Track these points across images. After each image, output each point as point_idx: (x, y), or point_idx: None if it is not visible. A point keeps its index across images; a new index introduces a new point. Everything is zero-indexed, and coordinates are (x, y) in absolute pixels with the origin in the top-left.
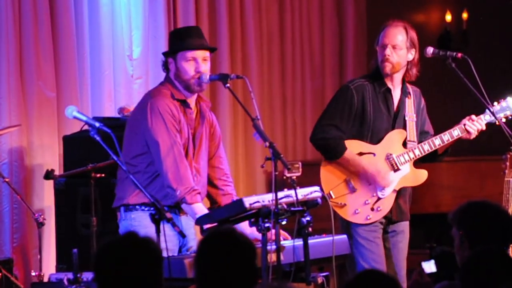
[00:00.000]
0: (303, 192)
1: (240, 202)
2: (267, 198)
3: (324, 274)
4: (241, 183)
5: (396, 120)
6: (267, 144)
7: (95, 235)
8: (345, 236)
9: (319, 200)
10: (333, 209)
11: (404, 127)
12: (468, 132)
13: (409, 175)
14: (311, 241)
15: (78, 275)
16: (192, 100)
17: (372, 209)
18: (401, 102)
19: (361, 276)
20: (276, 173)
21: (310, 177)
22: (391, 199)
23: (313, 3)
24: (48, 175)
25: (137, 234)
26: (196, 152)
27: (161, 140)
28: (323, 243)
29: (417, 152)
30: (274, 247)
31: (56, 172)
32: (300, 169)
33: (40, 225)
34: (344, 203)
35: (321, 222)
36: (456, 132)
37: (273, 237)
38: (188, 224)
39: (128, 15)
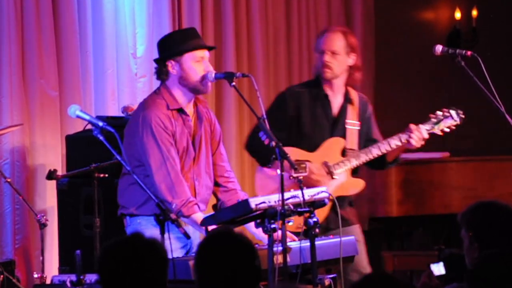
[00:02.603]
0: (310, 193)
1: (245, 202)
2: (273, 199)
3: (331, 276)
4: (247, 183)
5: (336, 127)
6: (274, 143)
7: (98, 236)
8: (352, 237)
9: (326, 200)
10: None
11: (344, 135)
12: (409, 142)
13: (345, 184)
14: (318, 242)
15: (81, 277)
16: (189, 106)
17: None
18: (342, 108)
19: (367, 278)
20: (283, 173)
21: None
22: (325, 209)
23: (320, 1)
24: (51, 175)
25: (142, 235)
26: (197, 156)
27: (152, 155)
28: (330, 244)
29: (354, 162)
30: (280, 248)
31: (59, 172)
32: (307, 169)
33: (43, 226)
34: None
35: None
36: (394, 142)
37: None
38: (192, 229)
39: (132, 13)
